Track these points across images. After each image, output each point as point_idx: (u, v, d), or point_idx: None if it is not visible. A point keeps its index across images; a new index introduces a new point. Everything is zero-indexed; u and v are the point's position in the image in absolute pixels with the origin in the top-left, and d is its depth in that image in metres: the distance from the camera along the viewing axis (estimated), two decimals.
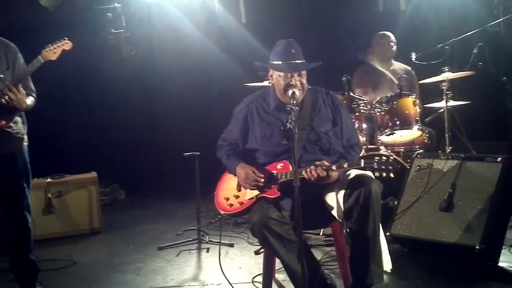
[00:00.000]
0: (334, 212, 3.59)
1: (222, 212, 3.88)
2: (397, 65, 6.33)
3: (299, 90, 3.68)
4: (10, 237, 4.26)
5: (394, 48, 6.26)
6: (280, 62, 3.71)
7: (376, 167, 3.34)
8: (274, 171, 3.69)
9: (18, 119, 4.16)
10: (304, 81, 3.74)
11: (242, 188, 3.79)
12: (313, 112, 3.85)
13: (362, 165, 3.40)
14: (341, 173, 3.59)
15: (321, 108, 3.88)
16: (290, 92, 3.64)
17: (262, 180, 3.65)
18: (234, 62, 7.91)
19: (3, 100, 3.88)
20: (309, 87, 3.87)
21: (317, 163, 3.49)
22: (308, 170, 3.49)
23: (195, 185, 5.56)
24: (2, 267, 4.51)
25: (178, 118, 8.30)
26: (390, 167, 3.32)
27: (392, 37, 6.27)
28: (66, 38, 4.13)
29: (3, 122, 3.98)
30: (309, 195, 3.60)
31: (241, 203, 3.74)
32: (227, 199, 3.83)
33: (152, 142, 8.41)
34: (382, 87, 6.12)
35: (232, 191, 3.83)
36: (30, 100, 4.15)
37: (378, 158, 3.36)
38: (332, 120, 3.87)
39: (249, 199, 3.71)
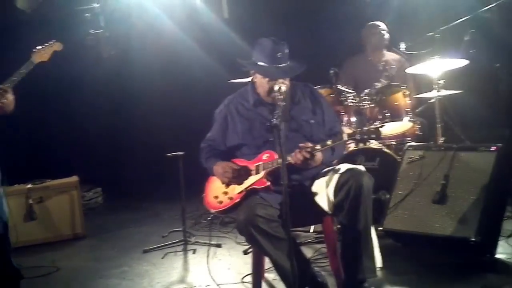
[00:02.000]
0: (324, 205, 3.54)
1: (213, 211, 3.87)
2: (390, 56, 6.30)
3: (282, 96, 3.65)
4: None
5: (386, 36, 6.24)
6: (266, 65, 3.70)
7: (359, 137, 3.38)
8: (260, 162, 3.68)
9: None
10: (288, 83, 3.74)
11: (230, 185, 3.75)
12: (292, 104, 3.84)
13: (346, 138, 3.43)
14: (324, 156, 3.59)
15: (301, 100, 3.89)
16: (276, 87, 3.61)
17: (241, 169, 3.67)
18: (216, 60, 7.86)
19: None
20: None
21: (300, 145, 3.48)
22: (293, 154, 3.47)
23: (179, 186, 5.49)
24: None
25: (160, 118, 8.26)
26: (373, 136, 3.36)
27: (383, 26, 6.25)
28: (54, 40, 4.16)
29: None
30: (299, 190, 3.59)
31: (231, 198, 3.71)
32: (216, 197, 3.81)
33: (134, 143, 8.36)
34: (371, 80, 6.08)
35: (221, 189, 3.81)
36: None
37: (359, 129, 3.38)
38: (312, 109, 3.87)
39: (238, 193, 3.68)
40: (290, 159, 3.48)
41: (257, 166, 3.68)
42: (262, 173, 3.63)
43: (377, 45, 6.27)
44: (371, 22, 6.31)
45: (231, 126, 3.90)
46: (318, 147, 3.47)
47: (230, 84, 6.18)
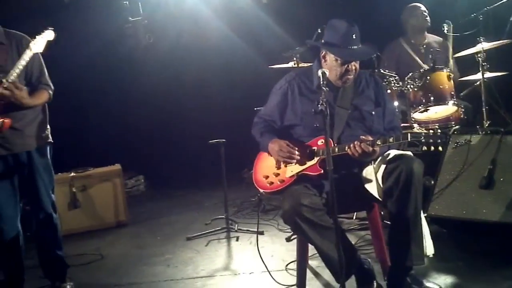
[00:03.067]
0: (374, 192, 3.48)
1: (262, 191, 3.79)
2: (431, 38, 6.21)
3: (352, 76, 3.65)
4: (38, 235, 4.26)
5: (428, 18, 6.13)
6: (340, 47, 3.61)
7: (423, 140, 3.25)
8: (315, 147, 3.61)
9: (30, 116, 4.13)
10: (358, 65, 3.69)
11: (281, 166, 3.70)
12: (355, 92, 3.77)
13: (409, 139, 3.30)
14: (380, 151, 3.50)
15: (364, 89, 3.81)
16: (351, 69, 3.60)
17: (297, 152, 3.59)
18: (254, 46, 7.84)
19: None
20: None
21: (361, 137, 3.41)
22: (352, 145, 3.41)
23: (221, 173, 5.52)
24: (32, 264, 4.50)
25: (201, 105, 8.26)
26: (439, 140, 3.22)
27: (423, 8, 6.15)
28: (49, 28, 4.08)
29: (6, 121, 3.94)
30: (346, 177, 3.55)
31: (282, 181, 3.65)
32: (267, 177, 3.74)
33: (175, 130, 8.40)
34: (413, 64, 5.99)
35: (271, 168, 3.75)
36: (41, 95, 4.12)
37: (425, 132, 3.27)
38: (374, 101, 3.79)
39: (290, 176, 3.63)
40: (347, 149, 3.43)
41: (311, 151, 3.61)
42: (315, 160, 3.58)
43: (418, 27, 6.17)
44: (411, 4, 6.21)
45: (291, 104, 3.81)
46: (379, 142, 3.38)
47: (269, 70, 6.15)
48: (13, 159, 4.06)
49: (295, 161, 3.61)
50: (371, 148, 3.37)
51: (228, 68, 8.25)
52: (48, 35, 4.06)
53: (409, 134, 3.30)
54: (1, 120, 3.89)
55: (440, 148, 3.22)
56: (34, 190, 4.15)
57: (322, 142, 3.59)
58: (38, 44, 3.99)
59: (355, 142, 3.39)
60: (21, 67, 3.88)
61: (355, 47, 3.62)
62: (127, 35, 7.09)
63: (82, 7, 7.08)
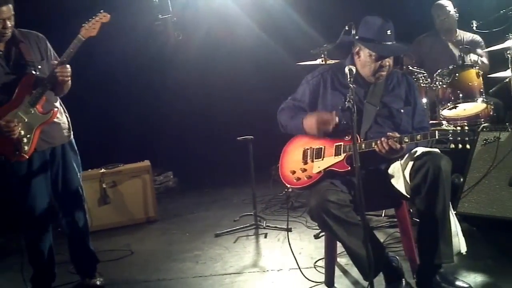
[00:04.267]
0: (402, 189, 3.48)
1: (288, 186, 3.81)
2: (463, 34, 6.17)
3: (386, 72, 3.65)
4: (68, 229, 4.32)
5: (455, 16, 6.09)
6: (375, 42, 3.62)
7: (451, 138, 3.25)
8: (341, 143, 3.60)
9: (60, 108, 4.21)
10: (392, 62, 3.68)
11: (308, 161, 3.69)
12: (386, 90, 3.76)
13: (437, 136, 3.30)
14: (408, 148, 3.50)
15: (395, 87, 3.80)
16: (385, 64, 3.60)
17: (337, 119, 3.57)
18: (282, 43, 7.84)
19: (61, 78, 3.92)
20: None
21: (389, 134, 3.41)
22: (379, 142, 3.42)
23: (249, 170, 5.54)
24: (62, 259, 4.57)
25: (229, 102, 8.26)
26: (467, 138, 3.22)
27: (449, 6, 6.10)
28: (102, 11, 4.10)
29: (55, 110, 4.02)
30: (373, 174, 3.56)
31: (309, 177, 3.65)
32: (293, 172, 3.74)
33: (203, 127, 8.41)
34: (442, 60, 5.95)
35: (298, 163, 3.74)
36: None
37: (453, 129, 3.27)
38: (404, 100, 3.78)
39: (317, 172, 3.62)
40: (374, 146, 3.43)
41: (338, 147, 3.61)
42: (342, 156, 3.57)
43: (445, 25, 6.14)
44: (438, 2, 6.18)
45: (322, 96, 3.81)
46: (406, 139, 3.38)
47: (297, 67, 6.15)
48: (50, 152, 4.14)
49: (334, 125, 3.59)
50: (398, 145, 3.37)
51: (256, 65, 8.23)
52: (103, 17, 4.07)
53: (436, 132, 3.30)
54: (51, 110, 3.98)
55: (468, 146, 3.21)
56: (69, 183, 4.22)
57: (348, 137, 3.58)
58: (91, 28, 4.04)
59: (382, 139, 3.39)
60: (69, 56, 3.95)
61: (390, 43, 3.62)
62: (157, 33, 7.12)
63: (112, 5, 7.13)
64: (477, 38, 6.02)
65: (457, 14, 6.09)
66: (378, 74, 3.63)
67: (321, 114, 3.66)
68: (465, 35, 6.14)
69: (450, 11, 6.08)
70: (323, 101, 3.80)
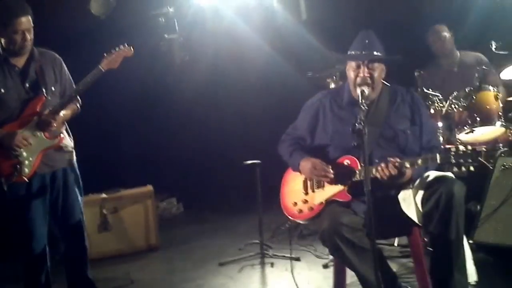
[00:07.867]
0: (413, 216, 3.46)
1: (291, 218, 3.84)
2: (465, 56, 6.14)
3: (368, 87, 3.60)
4: (67, 256, 4.32)
5: (449, 40, 6.09)
6: (353, 52, 3.70)
7: (454, 161, 3.24)
8: (350, 165, 3.61)
9: (64, 132, 4.25)
10: (376, 74, 3.66)
11: (309, 191, 3.73)
12: (390, 109, 3.76)
13: (438, 160, 3.29)
14: (415, 173, 3.47)
15: (399, 106, 3.79)
16: (359, 90, 3.56)
17: (331, 170, 3.59)
18: (293, 64, 7.85)
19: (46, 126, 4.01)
20: (388, 84, 3.83)
21: (389, 159, 3.39)
22: (379, 168, 3.40)
23: (256, 196, 5.53)
24: None
25: (236, 125, 8.27)
26: (470, 160, 3.21)
27: (444, 30, 6.10)
28: (126, 45, 4.18)
29: (62, 136, 4.06)
30: (383, 199, 3.52)
31: (311, 209, 3.69)
32: (295, 204, 3.78)
33: (208, 151, 8.41)
34: (448, 84, 5.93)
35: (299, 194, 3.78)
36: (72, 108, 4.27)
37: (454, 150, 3.25)
38: (410, 118, 3.77)
39: (319, 204, 3.65)
40: (375, 172, 3.42)
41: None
42: (344, 186, 3.59)
43: (441, 50, 6.16)
44: (433, 27, 6.19)
45: (321, 124, 3.85)
46: (407, 164, 3.38)
47: (310, 89, 6.15)
48: (50, 176, 4.15)
49: (328, 179, 3.61)
50: (397, 171, 3.35)
51: (266, 86, 8.26)
52: (126, 51, 4.17)
53: (437, 155, 3.30)
54: (57, 135, 4.02)
55: (471, 168, 3.19)
56: (68, 208, 4.23)
57: (348, 162, 3.60)
58: (113, 60, 4.09)
59: (382, 165, 3.38)
60: (85, 86, 4.01)
61: (365, 52, 3.65)
62: (162, 52, 7.16)
63: (117, 23, 7.19)
64: (481, 56, 6.00)
65: (451, 36, 6.10)
66: (358, 90, 3.56)
67: (316, 163, 3.67)
68: (467, 56, 6.12)
69: (446, 36, 6.09)
70: (323, 129, 3.84)
